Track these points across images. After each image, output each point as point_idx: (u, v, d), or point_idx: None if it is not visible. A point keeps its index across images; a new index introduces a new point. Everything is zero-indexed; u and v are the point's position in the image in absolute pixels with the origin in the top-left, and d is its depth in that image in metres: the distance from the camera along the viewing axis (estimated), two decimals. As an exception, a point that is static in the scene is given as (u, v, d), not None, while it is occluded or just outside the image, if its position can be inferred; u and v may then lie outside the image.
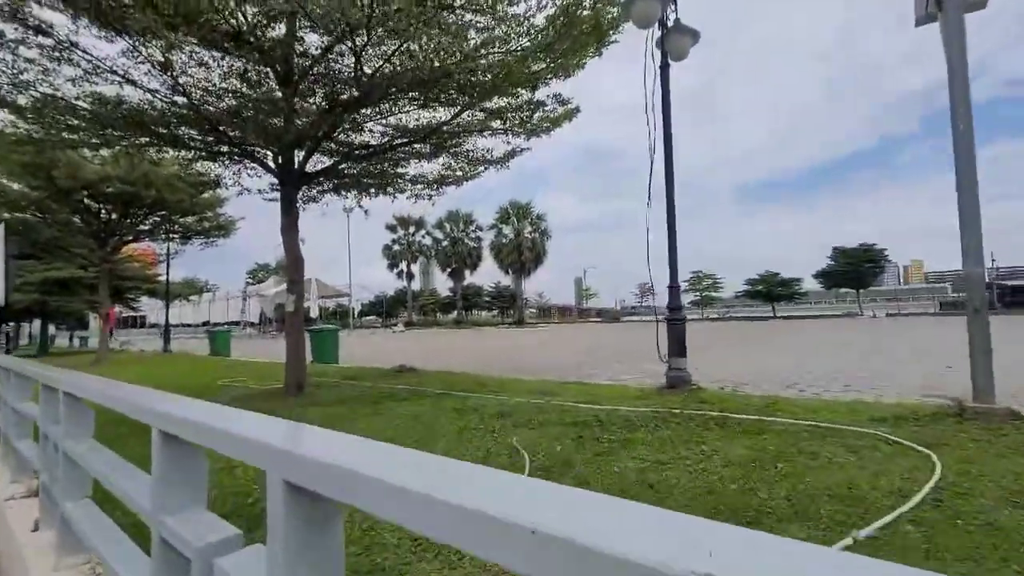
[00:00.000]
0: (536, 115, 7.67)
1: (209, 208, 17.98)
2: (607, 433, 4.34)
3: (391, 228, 61.69)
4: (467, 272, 60.72)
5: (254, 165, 8.17)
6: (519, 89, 6.87)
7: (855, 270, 57.47)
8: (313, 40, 6.88)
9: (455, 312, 74.88)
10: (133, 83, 6.34)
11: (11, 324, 31.17)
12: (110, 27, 5.93)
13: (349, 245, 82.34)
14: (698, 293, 70.81)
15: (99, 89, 6.63)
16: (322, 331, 14.38)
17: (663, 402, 5.47)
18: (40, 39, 5.64)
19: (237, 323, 51.87)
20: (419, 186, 10.83)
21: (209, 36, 6.15)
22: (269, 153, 7.69)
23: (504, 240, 55.03)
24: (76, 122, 7.50)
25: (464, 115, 8.10)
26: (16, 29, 5.44)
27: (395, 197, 11.07)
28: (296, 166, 7.64)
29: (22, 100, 6.48)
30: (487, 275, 67.52)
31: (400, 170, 10.15)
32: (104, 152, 15.23)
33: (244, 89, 7.15)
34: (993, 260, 55.10)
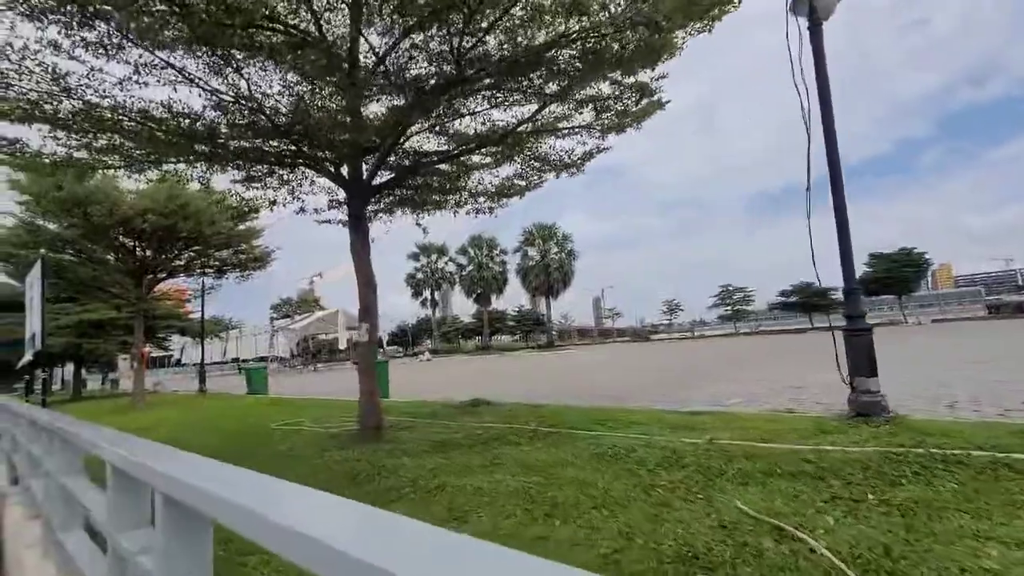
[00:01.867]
0: (642, 102, 6.65)
1: (245, 239, 17.34)
2: (851, 488, 3.15)
3: (414, 256, 61.39)
4: (493, 297, 59.79)
5: (318, 177, 7.32)
6: (640, 64, 5.85)
7: (897, 276, 55.13)
8: (376, 41, 6.06)
9: (477, 338, 73.84)
10: (192, 81, 5.50)
11: (45, 369, 30.79)
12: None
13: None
14: (728, 307, 68.66)
15: (150, 93, 5.82)
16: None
17: (875, 438, 4.25)
18: (87, 33, 4.84)
19: (264, 359, 51.37)
20: (480, 199, 9.92)
21: (267, 43, 5.36)
22: (331, 165, 6.81)
23: (531, 263, 54.12)
24: (120, 140, 6.75)
25: (550, 109, 7.19)
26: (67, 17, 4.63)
27: (456, 212, 10.16)
28: (364, 177, 6.73)
29: (66, 107, 5.69)
30: (506, 299, 66.53)
31: (460, 182, 9.26)
32: (139, 183, 14.75)
33: (305, 92, 6.32)
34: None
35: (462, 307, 76.84)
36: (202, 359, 21.56)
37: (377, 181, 7.25)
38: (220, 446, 7.00)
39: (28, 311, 10.06)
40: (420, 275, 61.87)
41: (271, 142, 6.55)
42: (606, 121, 7.53)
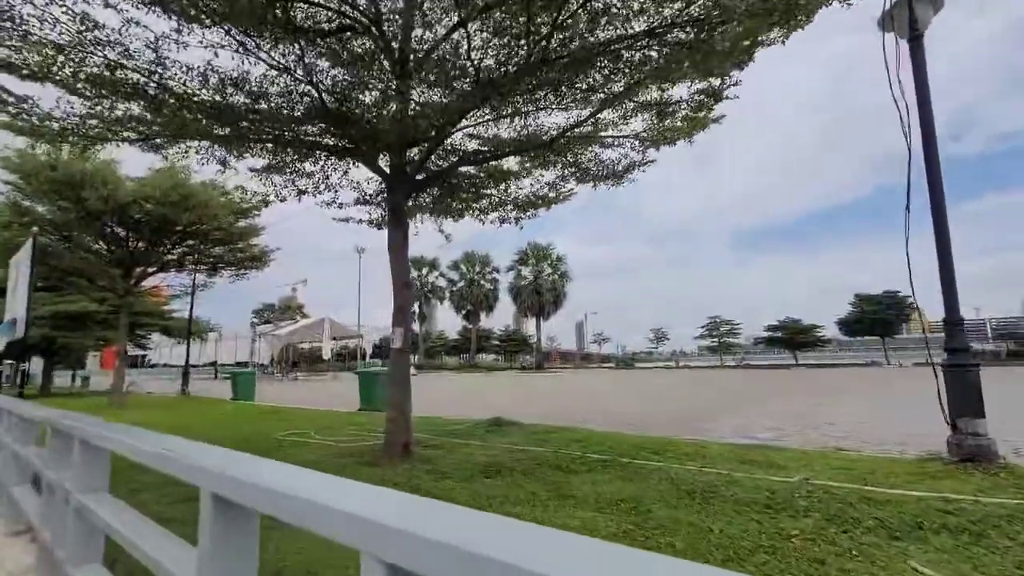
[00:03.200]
0: (709, 110, 6.25)
1: (244, 237, 16.55)
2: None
3: (404, 268, 60.61)
4: (483, 314, 59.11)
5: (351, 167, 6.76)
6: (734, 61, 5.43)
7: (881, 318, 55.99)
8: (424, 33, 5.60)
9: (462, 355, 72.72)
10: (242, 45, 4.93)
11: (7, 363, 29.30)
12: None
13: (359, 284, 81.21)
14: (715, 339, 68.88)
15: (185, 57, 5.24)
16: (375, 374, 12.62)
17: (999, 487, 3.77)
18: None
19: (245, 364, 49.66)
20: (507, 207, 9.44)
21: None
22: (373, 154, 6.25)
23: (523, 282, 53.72)
24: (140, 111, 6.13)
25: (603, 114, 6.77)
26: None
27: (483, 220, 9.64)
28: (408, 170, 6.19)
29: (91, 63, 5.05)
30: (490, 318, 65.72)
31: (491, 188, 8.78)
32: (139, 169, 13.99)
33: (348, 78, 5.80)
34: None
35: (446, 323, 75.84)
36: (187, 360, 20.46)
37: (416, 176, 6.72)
38: (223, 456, 6.23)
39: (10, 294, 9.19)
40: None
41: (311, 125, 5.99)
42: (661, 130, 7.14)
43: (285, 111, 5.92)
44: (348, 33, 5.65)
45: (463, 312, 59.14)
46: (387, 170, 6.18)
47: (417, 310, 61.84)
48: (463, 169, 7.66)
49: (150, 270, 16.44)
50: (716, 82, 5.88)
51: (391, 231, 6.05)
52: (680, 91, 6.40)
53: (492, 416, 8.63)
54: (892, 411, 11.50)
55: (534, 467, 5.00)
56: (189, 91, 5.64)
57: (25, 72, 5.17)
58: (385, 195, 8.06)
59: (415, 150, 6.41)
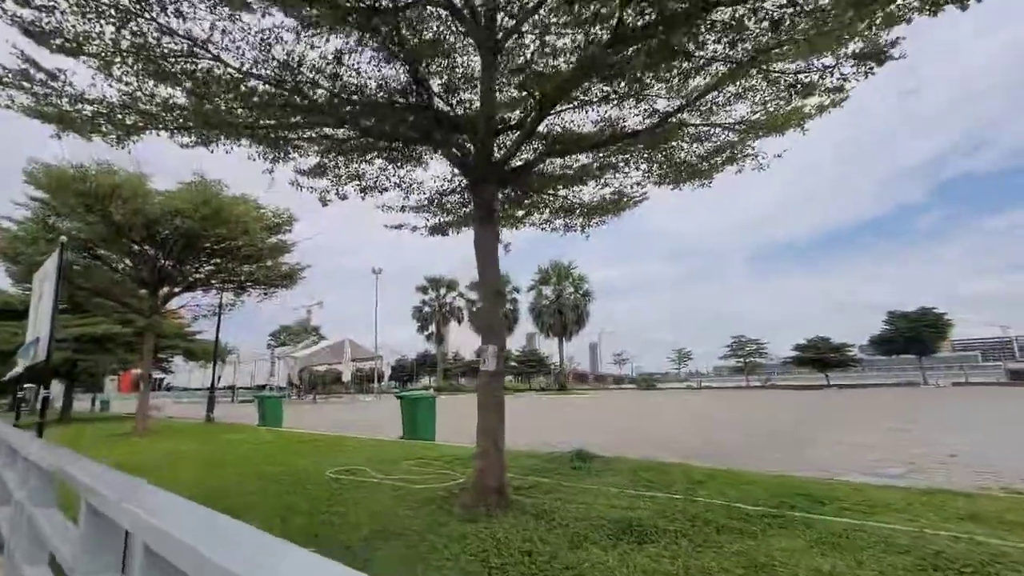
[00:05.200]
0: (867, 75, 5.20)
1: (275, 254, 15.75)
2: None
3: (422, 289, 59.99)
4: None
5: (418, 167, 5.83)
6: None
7: (917, 336, 53.74)
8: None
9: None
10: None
11: (28, 386, 28.83)
12: None
13: (376, 305, 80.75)
14: (740, 359, 66.79)
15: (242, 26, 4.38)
16: (418, 399, 11.55)
17: None
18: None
19: (263, 387, 48.85)
20: (574, 214, 8.47)
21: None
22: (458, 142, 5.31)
23: (544, 301, 52.60)
24: (182, 97, 5.30)
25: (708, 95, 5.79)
26: None
27: (545, 227, 8.67)
28: (496, 159, 5.24)
29: (133, 31, 4.21)
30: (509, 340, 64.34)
31: (563, 191, 7.83)
32: (168, 182, 13.31)
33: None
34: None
35: (462, 343, 74.49)
36: (212, 384, 19.55)
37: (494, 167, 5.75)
38: (277, 506, 5.19)
39: (33, 312, 8.35)
40: (428, 308, 60.19)
41: (389, 107, 5.07)
42: (782, 114, 6.13)
43: (353, 98, 5.04)
44: (428, 8, 4.79)
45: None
46: (472, 161, 5.23)
47: (435, 331, 60.89)
48: (541, 167, 6.72)
49: (176, 289, 15.67)
50: (885, 35, 4.81)
51: (480, 231, 5.07)
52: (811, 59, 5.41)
53: (576, 449, 7.49)
54: (1007, 437, 10.12)
55: (685, 524, 3.88)
56: (242, 71, 4.79)
57: (57, 42, 4.34)
58: (454, 193, 7.17)
59: (503, 138, 5.48)
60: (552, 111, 5.17)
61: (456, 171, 6.59)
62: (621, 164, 6.92)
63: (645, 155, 6.87)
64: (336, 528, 4.19)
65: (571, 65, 4.36)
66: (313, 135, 6.11)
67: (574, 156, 6.72)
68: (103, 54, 4.49)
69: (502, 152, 5.34)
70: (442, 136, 5.11)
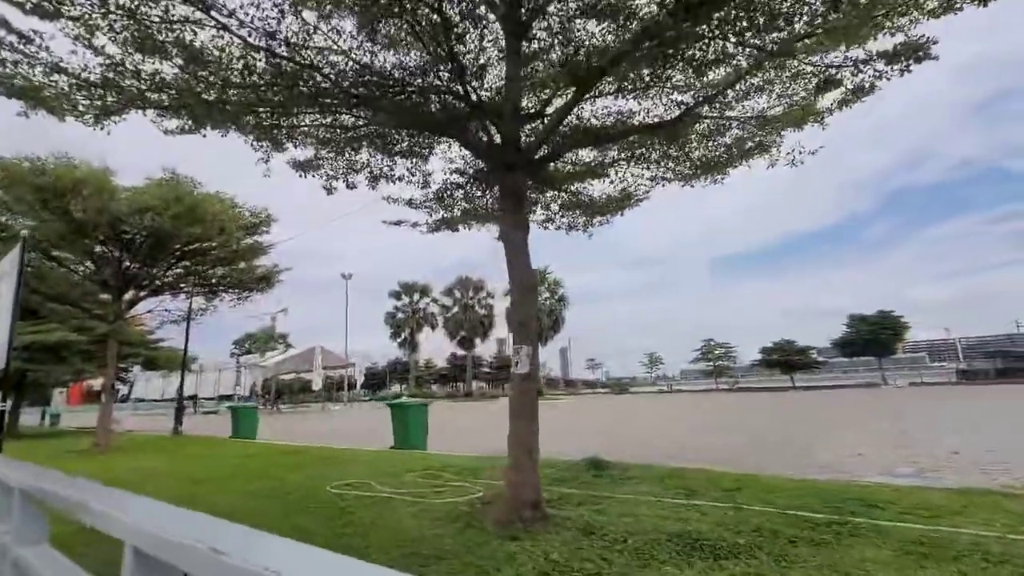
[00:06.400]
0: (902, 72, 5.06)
1: (249, 256, 14.90)
2: None
3: (395, 295, 58.89)
4: (477, 340, 57.37)
5: (430, 155, 5.41)
6: None
7: (876, 338, 55.96)
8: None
9: (452, 384, 70.36)
10: None
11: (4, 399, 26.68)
12: None
13: (347, 310, 78.93)
14: (710, 363, 68.12)
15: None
16: (410, 406, 11.01)
17: None
18: None
19: (230, 396, 46.74)
20: (577, 212, 8.22)
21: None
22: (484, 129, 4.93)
23: (520, 306, 52.28)
24: (176, 73, 4.77)
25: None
26: None
27: (547, 226, 8.37)
28: (524, 146, 4.88)
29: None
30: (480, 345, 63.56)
31: (575, 185, 7.55)
32: (135, 179, 12.40)
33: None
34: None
35: (434, 350, 73.42)
36: (180, 394, 18.37)
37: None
38: (284, 529, 4.66)
39: (-14, 316, 7.49)
40: (401, 315, 59.05)
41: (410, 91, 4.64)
42: (803, 108, 5.99)
43: (370, 78, 4.59)
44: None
45: (457, 339, 57.24)
46: (496, 148, 4.86)
47: (408, 338, 59.76)
48: (557, 163, 6.40)
49: (142, 294, 14.63)
50: (919, 31, 4.70)
51: (508, 222, 4.71)
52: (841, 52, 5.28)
53: (590, 457, 7.15)
54: (994, 435, 10.32)
55: (753, 536, 3.58)
56: (249, 42, 4.30)
57: (33, 2, 3.77)
58: (461, 188, 6.77)
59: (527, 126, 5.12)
60: (588, 94, 4.85)
61: (469, 163, 6.21)
62: (639, 157, 6.67)
63: (661, 150, 6.64)
64: (361, 553, 3.71)
65: (628, 35, 4.05)
66: (318, 121, 5.62)
67: (594, 149, 6.44)
68: (86, 17, 3.93)
69: (528, 140, 4.99)
70: (465, 121, 4.73)
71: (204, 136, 5.42)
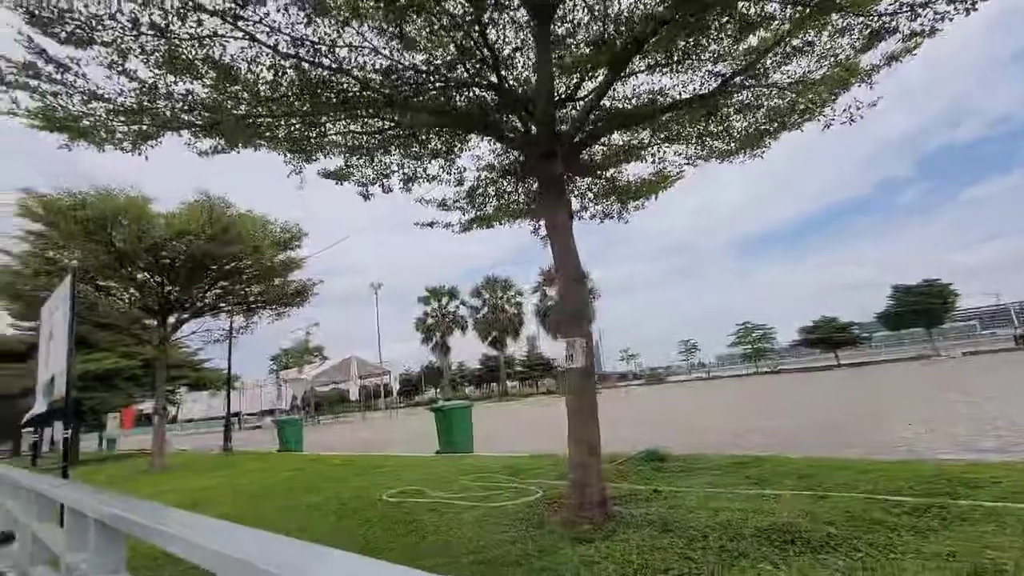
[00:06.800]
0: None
1: (283, 271, 15.13)
2: None
3: (424, 300, 59.36)
4: (508, 339, 57.36)
5: (466, 150, 5.29)
6: None
7: (925, 308, 53.52)
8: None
9: (486, 385, 70.56)
10: None
11: (67, 426, 28.05)
12: None
13: (378, 319, 80.00)
14: (748, 346, 66.36)
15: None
16: (453, 409, 10.96)
17: None
18: None
19: (271, 412, 47.94)
20: (610, 199, 7.98)
21: None
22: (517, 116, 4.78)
23: (550, 302, 52.05)
24: (203, 92, 4.77)
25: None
26: None
27: (581, 216, 8.14)
28: (560, 133, 4.70)
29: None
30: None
31: (610, 171, 7.33)
32: (168, 205, 12.71)
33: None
34: None
35: (461, 352, 73.57)
36: (228, 412, 18.80)
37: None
38: (352, 542, 4.61)
39: (43, 348, 7.72)
40: (431, 319, 59.48)
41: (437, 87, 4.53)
42: (845, 69, 5.64)
43: (402, 75, 4.49)
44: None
45: (489, 340, 57.34)
46: (533, 135, 4.69)
47: (440, 341, 60.12)
48: (593, 148, 6.20)
49: (184, 316, 15.03)
50: None
51: (549, 211, 4.55)
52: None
53: (646, 448, 6.93)
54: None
55: (849, 526, 3.32)
56: (277, 50, 4.25)
57: (67, 30, 3.78)
58: (493, 184, 6.64)
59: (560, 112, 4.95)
60: (623, 72, 4.64)
61: (500, 157, 6.07)
62: (675, 136, 6.41)
63: (700, 126, 6.37)
64: (430, 562, 3.61)
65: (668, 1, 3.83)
66: (347, 128, 5.57)
67: (626, 132, 6.22)
68: (118, 40, 3.94)
69: (562, 127, 4.82)
70: (499, 113, 4.59)
71: (238, 153, 5.42)
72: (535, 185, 7.13)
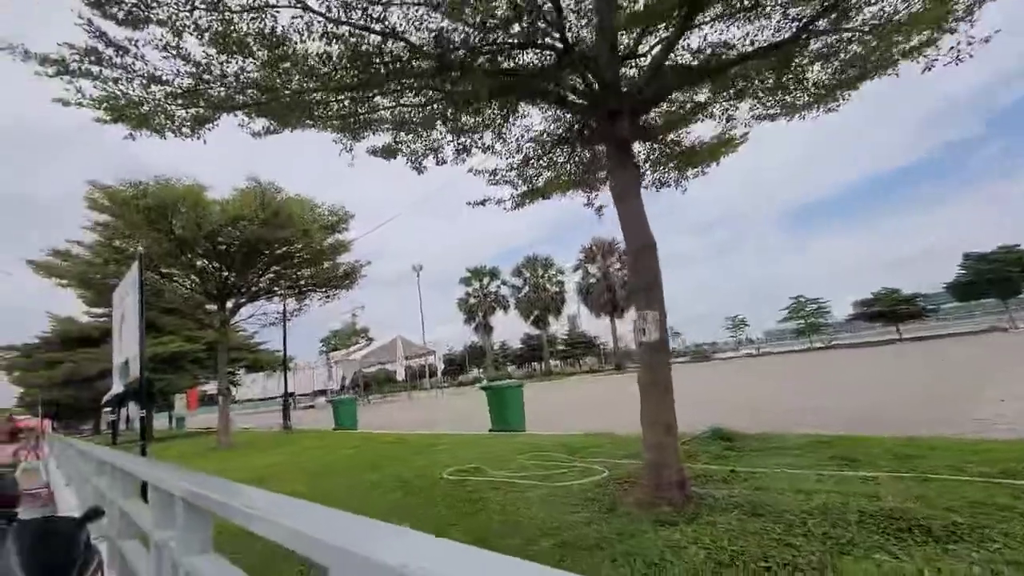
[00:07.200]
0: None
1: (332, 254, 15.40)
2: None
3: (466, 281, 59.81)
4: (551, 318, 57.21)
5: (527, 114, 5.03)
6: None
7: (1001, 277, 49.57)
8: None
9: (528, 364, 70.89)
10: None
11: (107, 409, 30.21)
12: None
13: (420, 301, 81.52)
14: (802, 320, 63.60)
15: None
16: (505, 388, 10.91)
17: None
18: None
19: (323, 392, 49.91)
20: (668, 166, 7.53)
21: None
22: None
23: (592, 280, 51.41)
24: (255, 71, 4.70)
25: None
26: None
27: (659, 185, 7.67)
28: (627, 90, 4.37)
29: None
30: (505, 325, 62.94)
31: (672, 135, 6.89)
32: (221, 192, 13.06)
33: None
34: None
35: (507, 331, 73.89)
36: (285, 392, 19.56)
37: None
38: (423, 520, 4.58)
39: (116, 332, 8.10)
40: (472, 300, 59.94)
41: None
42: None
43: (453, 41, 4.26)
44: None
45: (531, 319, 57.33)
46: (598, 93, 4.38)
47: (482, 321, 60.58)
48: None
49: (242, 300, 15.57)
50: None
51: (616, 177, 4.26)
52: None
53: (711, 428, 6.64)
54: None
55: (971, 513, 2.97)
56: (329, 17, 4.09)
57: (124, 10, 3.74)
58: (547, 154, 6.35)
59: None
60: (697, 18, 4.25)
61: (555, 124, 5.78)
62: (742, 92, 5.92)
63: (772, 79, 5.85)
64: (506, 544, 3.50)
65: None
66: (397, 101, 5.41)
67: (688, 90, 5.78)
68: (173, 18, 3.87)
69: (625, 87, 4.48)
70: (561, 72, 4.29)
71: (290, 132, 5.36)
72: (589, 154, 6.83)
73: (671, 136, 6.83)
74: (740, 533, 3.11)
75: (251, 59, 4.60)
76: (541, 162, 6.81)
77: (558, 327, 66.46)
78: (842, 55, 5.77)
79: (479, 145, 5.73)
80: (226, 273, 13.90)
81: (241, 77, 4.81)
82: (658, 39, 4.71)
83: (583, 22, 4.54)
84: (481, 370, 70.14)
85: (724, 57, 5.20)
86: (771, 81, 5.87)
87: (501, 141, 5.76)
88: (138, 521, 2.92)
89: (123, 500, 3.52)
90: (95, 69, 4.27)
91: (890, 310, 54.89)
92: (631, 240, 4.14)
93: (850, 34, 5.50)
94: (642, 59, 5.04)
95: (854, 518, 3.08)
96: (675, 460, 3.98)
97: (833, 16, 5.17)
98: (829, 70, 5.82)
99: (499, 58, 4.49)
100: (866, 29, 5.41)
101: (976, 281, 51.09)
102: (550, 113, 5.89)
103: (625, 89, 4.43)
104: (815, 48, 5.66)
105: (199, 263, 13.61)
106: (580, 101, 4.61)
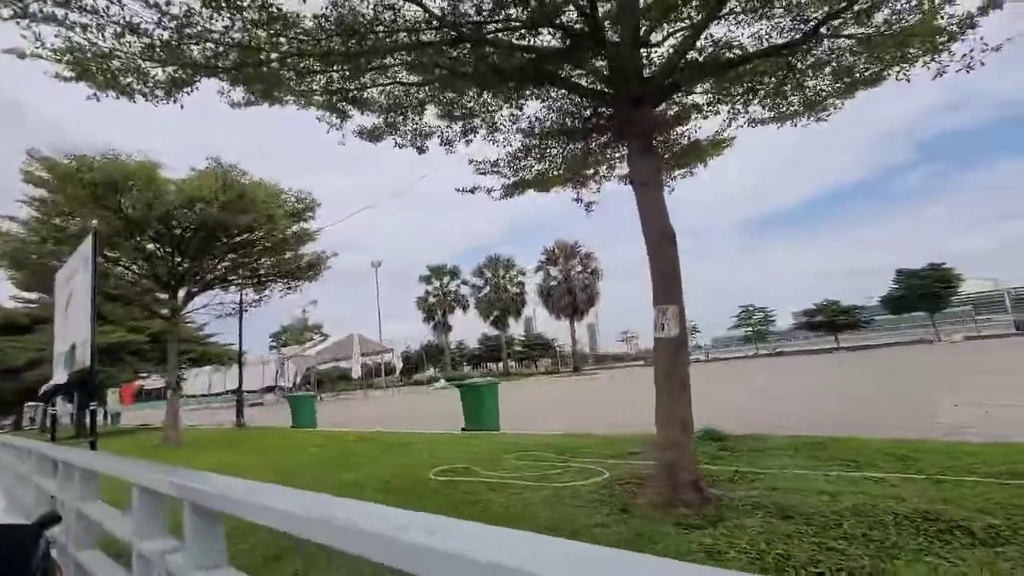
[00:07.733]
0: None
1: (296, 244, 14.61)
2: None
3: (426, 279, 58.88)
4: (511, 319, 57.13)
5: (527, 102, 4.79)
6: None
7: (930, 292, 53.42)
8: None
9: (484, 365, 70.65)
10: None
11: (31, 404, 27.84)
12: None
13: (378, 297, 79.64)
14: (748, 328, 66.49)
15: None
16: (481, 386, 10.62)
17: None
18: None
19: (272, 389, 47.71)
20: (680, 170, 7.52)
21: None
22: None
23: (553, 282, 51.65)
24: (238, 32, 4.27)
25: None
26: None
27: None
28: (642, 76, 4.21)
29: None
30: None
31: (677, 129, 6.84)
32: (178, 172, 12.14)
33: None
34: None
35: (464, 331, 73.47)
36: (240, 388, 18.42)
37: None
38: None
39: (60, 316, 7.28)
40: (432, 298, 59.08)
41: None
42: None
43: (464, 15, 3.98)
44: None
45: (491, 319, 57.04)
46: (621, 78, 4.19)
47: (441, 320, 59.82)
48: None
49: (194, 289, 14.53)
50: None
51: (640, 164, 4.09)
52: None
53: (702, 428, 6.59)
54: None
55: (1013, 517, 2.96)
56: None
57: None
58: (550, 138, 6.15)
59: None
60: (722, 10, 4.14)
61: (563, 110, 5.57)
62: (747, 92, 5.91)
63: (775, 83, 5.87)
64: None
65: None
66: (393, 77, 5.07)
67: (714, 80, 5.71)
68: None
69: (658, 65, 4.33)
70: (582, 54, 4.09)
71: (269, 107, 4.92)
72: (585, 148, 6.67)
73: (672, 135, 6.78)
74: (777, 536, 2.99)
75: (239, 14, 4.17)
76: (534, 153, 6.61)
77: (516, 328, 66.52)
78: (843, 60, 5.87)
79: (474, 130, 5.45)
80: (179, 259, 12.93)
81: (226, 37, 4.36)
82: (677, 27, 4.59)
83: (606, 6, 4.36)
84: (437, 369, 69.15)
85: (734, 55, 5.15)
86: (772, 85, 5.91)
87: (496, 129, 5.50)
88: (112, 528, 2.49)
89: (81, 503, 3.05)
90: (60, 12, 3.72)
91: (830, 320, 58.13)
92: (650, 229, 3.99)
93: (850, 42, 5.59)
94: (655, 49, 4.91)
95: (889, 520, 3.02)
96: (690, 460, 3.84)
97: (849, 16, 5.21)
98: (826, 80, 5.90)
99: (517, 37, 4.24)
100: (868, 36, 5.52)
101: (907, 296, 54.69)
102: (557, 104, 5.68)
103: (648, 75, 4.28)
104: (817, 54, 5.73)
105: (149, 247, 12.59)
106: (600, 87, 4.42)
